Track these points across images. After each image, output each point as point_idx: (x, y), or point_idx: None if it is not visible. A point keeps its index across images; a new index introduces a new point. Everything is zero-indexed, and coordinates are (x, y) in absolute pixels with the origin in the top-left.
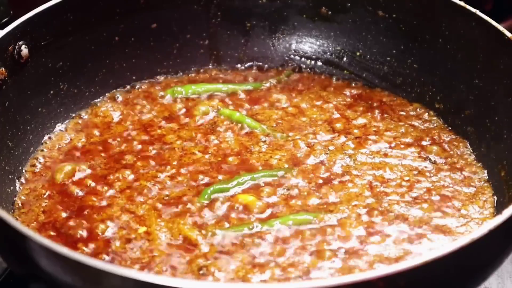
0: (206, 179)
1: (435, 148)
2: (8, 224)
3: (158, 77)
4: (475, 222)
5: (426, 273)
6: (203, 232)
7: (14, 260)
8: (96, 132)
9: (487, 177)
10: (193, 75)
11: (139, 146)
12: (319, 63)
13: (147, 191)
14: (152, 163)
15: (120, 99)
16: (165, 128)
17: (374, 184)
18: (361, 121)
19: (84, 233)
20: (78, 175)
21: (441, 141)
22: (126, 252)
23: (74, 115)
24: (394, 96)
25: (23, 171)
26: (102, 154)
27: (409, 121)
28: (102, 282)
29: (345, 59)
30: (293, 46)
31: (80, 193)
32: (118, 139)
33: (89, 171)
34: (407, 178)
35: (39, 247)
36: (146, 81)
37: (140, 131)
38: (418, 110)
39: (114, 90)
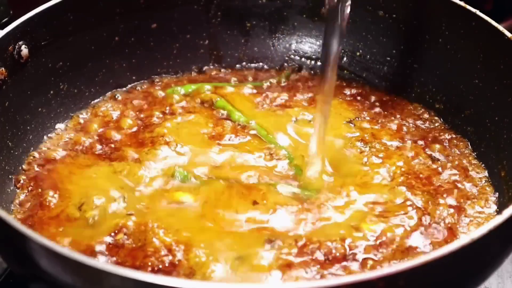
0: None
1: (437, 146)
2: (8, 224)
3: (158, 77)
4: (475, 222)
5: (426, 273)
6: None
7: (14, 260)
8: (97, 132)
9: (487, 177)
10: (193, 75)
11: (139, 145)
12: (319, 63)
13: (147, 189)
14: (152, 160)
15: (120, 99)
16: (164, 127)
17: (377, 183)
18: (358, 119)
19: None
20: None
21: (442, 140)
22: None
23: (74, 115)
24: (394, 96)
25: (23, 171)
26: (102, 154)
27: (410, 120)
28: (102, 282)
29: (345, 59)
30: (293, 46)
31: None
32: (118, 139)
33: (89, 169)
34: (409, 176)
35: (39, 247)
36: (146, 81)
37: (139, 130)
38: (418, 110)
39: (114, 90)
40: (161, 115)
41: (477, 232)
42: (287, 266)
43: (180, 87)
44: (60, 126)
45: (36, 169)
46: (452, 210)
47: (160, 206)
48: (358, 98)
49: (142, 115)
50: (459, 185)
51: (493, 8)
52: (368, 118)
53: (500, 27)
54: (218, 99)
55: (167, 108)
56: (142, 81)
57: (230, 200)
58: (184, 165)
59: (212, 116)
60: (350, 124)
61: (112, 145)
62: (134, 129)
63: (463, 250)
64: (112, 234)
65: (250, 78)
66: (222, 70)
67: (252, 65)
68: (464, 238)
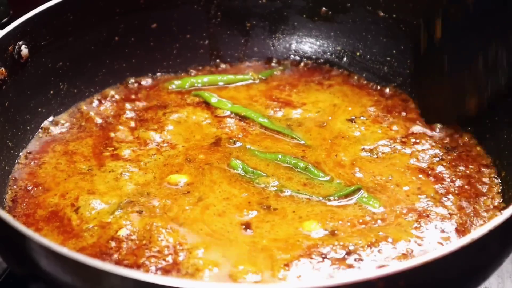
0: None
1: (439, 146)
2: (8, 224)
3: (158, 76)
4: (475, 222)
5: (426, 273)
6: None
7: (14, 260)
8: (96, 131)
9: (487, 178)
10: (193, 74)
11: (139, 145)
12: (320, 62)
13: (148, 189)
14: (153, 157)
15: (120, 98)
16: (165, 124)
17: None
18: (362, 119)
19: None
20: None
21: (445, 138)
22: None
23: (74, 115)
24: (394, 96)
25: (23, 170)
26: (102, 153)
27: (412, 119)
28: (102, 282)
29: (345, 59)
30: (293, 46)
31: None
32: (118, 137)
33: (89, 169)
34: (411, 176)
35: (39, 247)
36: (146, 81)
37: (140, 130)
38: (418, 109)
39: (114, 90)
40: (161, 115)
41: (477, 232)
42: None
43: (179, 80)
44: (60, 126)
45: (36, 169)
46: (452, 210)
47: (163, 203)
48: (359, 98)
49: (142, 115)
50: (461, 181)
51: None
52: (369, 117)
53: None
54: (194, 92)
55: (168, 107)
56: (142, 81)
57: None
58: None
59: (212, 116)
60: (352, 122)
61: (112, 145)
62: (134, 128)
63: (463, 250)
64: (114, 232)
65: (250, 75)
66: (222, 70)
67: (251, 64)
68: (464, 238)
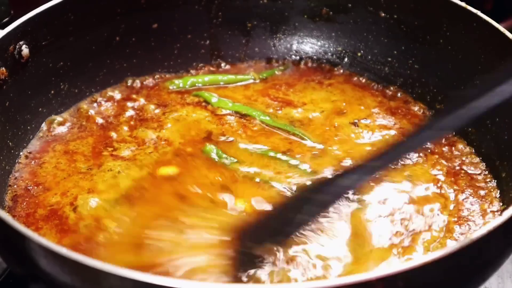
0: None
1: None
2: (8, 224)
3: (159, 75)
4: (476, 223)
5: (425, 274)
6: None
7: (14, 260)
8: (97, 131)
9: (488, 179)
10: (193, 74)
11: (138, 143)
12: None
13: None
14: (154, 157)
15: (120, 98)
16: (164, 123)
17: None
18: (363, 122)
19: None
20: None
21: (445, 141)
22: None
23: (74, 115)
24: (395, 96)
25: (23, 170)
26: (102, 153)
27: (413, 121)
28: (101, 282)
29: (346, 59)
30: (294, 47)
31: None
32: (119, 137)
33: (88, 168)
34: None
35: (39, 247)
36: (147, 81)
37: (140, 130)
38: (419, 110)
39: (115, 90)
40: (161, 114)
41: (476, 233)
42: None
43: (179, 79)
44: (60, 125)
45: (36, 168)
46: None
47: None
48: (359, 99)
49: (142, 114)
50: (459, 186)
51: (493, 8)
52: (371, 119)
53: (501, 28)
54: (194, 92)
55: (168, 107)
56: (143, 81)
57: None
58: None
59: (212, 115)
60: (354, 126)
61: (112, 144)
62: (134, 128)
63: (463, 251)
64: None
65: (250, 75)
66: (223, 70)
67: (252, 64)
68: (464, 239)
